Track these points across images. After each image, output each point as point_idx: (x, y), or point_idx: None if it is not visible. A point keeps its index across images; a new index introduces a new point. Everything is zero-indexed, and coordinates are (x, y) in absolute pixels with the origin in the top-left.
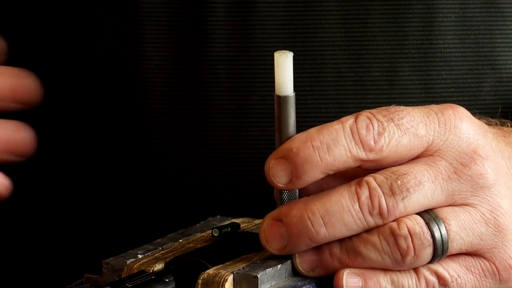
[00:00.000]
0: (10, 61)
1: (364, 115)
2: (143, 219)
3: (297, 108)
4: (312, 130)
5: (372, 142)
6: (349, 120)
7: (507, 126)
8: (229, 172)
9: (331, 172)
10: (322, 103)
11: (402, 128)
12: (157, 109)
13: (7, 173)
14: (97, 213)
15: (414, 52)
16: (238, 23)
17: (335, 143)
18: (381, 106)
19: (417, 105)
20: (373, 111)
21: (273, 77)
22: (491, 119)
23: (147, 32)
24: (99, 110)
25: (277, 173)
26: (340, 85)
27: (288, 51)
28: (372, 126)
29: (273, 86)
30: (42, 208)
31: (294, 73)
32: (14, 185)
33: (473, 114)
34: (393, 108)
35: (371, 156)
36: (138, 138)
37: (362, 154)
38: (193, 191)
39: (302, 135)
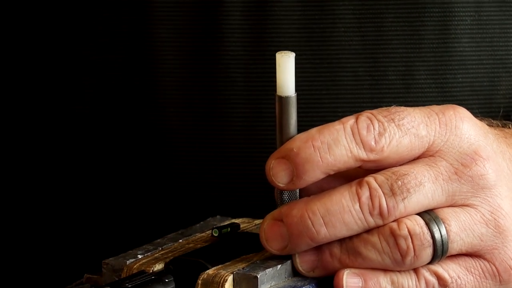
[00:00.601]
0: (23, 63)
1: (365, 115)
2: (146, 219)
3: (313, 112)
4: (313, 130)
5: (372, 143)
6: (350, 120)
7: (509, 127)
8: (245, 175)
9: (331, 172)
10: (338, 106)
11: (403, 129)
12: (171, 112)
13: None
14: (98, 213)
15: (430, 56)
16: (253, 26)
17: (336, 143)
18: None
19: None
20: (374, 111)
21: None
22: (493, 120)
23: (161, 35)
24: (113, 113)
25: (278, 173)
26: (356, 88)
27: (290, 52)
28: (373, 126)
29: None
30: (42, 208)
31: (310, 77)
32: (14, 184)
33: (475, 115)
34: (394, 109)
35: (372, 156)
36: (152, 140)
37: (363, 154)
38: (208, 194)
39: (303, 135)
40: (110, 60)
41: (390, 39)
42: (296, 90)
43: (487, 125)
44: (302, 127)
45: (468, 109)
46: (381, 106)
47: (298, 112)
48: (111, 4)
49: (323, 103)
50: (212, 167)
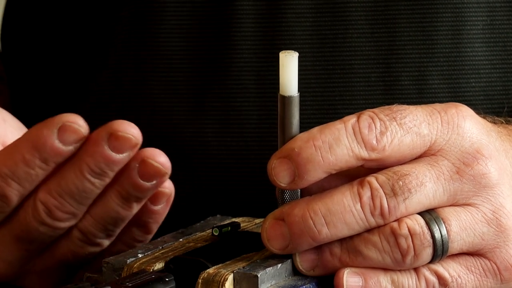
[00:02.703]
0: (34, 67)
1: (366, 114)
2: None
3: (326, 118)
4: (315, 130)
5: (374, 141)
6: (351, 119)
7: None
8: (257, 181)
9: (333, 172)
10: (352, 112)
11: (405, 127)
12: (184, 120)
13: None
14: None
15: (443, 61)
16: (266, 33)
17: (337, 143)
18: None
19: None
20: (376, 110)
21: (303, 87)
22: (497, 118)
23: (173, 43)
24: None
25: (280, 173)
26: (370, 94)
27: (293, 51)
28: (375, 125)
29: (302, 95)
30: None
31: (323, 83)
32: None
33: (478, 113)
34: (395, 107)
35: (373, 155)
36: (164, 148)
37: (364, 153)
38: (222, 201)
39: (304, 134)
40: (121, 69)
41: (402, 44)
42: (309, 96)
43: (491, 122)
44: None
45: (481, 113)
46: None
47: (311, 118)
48: (121, 14)
49: (336, 109)
50: (226, 173)
